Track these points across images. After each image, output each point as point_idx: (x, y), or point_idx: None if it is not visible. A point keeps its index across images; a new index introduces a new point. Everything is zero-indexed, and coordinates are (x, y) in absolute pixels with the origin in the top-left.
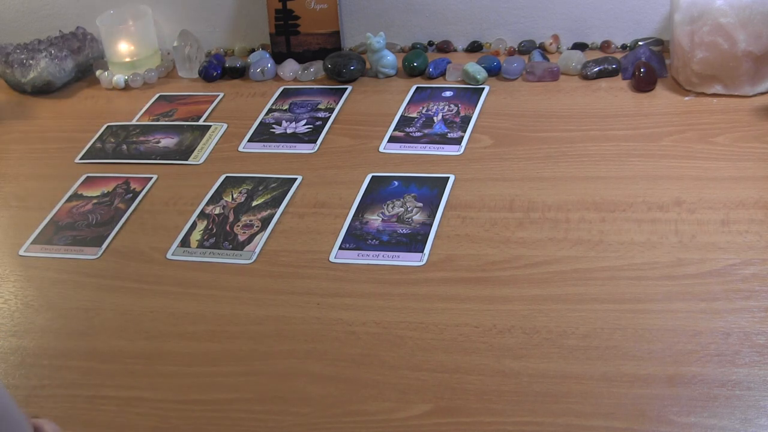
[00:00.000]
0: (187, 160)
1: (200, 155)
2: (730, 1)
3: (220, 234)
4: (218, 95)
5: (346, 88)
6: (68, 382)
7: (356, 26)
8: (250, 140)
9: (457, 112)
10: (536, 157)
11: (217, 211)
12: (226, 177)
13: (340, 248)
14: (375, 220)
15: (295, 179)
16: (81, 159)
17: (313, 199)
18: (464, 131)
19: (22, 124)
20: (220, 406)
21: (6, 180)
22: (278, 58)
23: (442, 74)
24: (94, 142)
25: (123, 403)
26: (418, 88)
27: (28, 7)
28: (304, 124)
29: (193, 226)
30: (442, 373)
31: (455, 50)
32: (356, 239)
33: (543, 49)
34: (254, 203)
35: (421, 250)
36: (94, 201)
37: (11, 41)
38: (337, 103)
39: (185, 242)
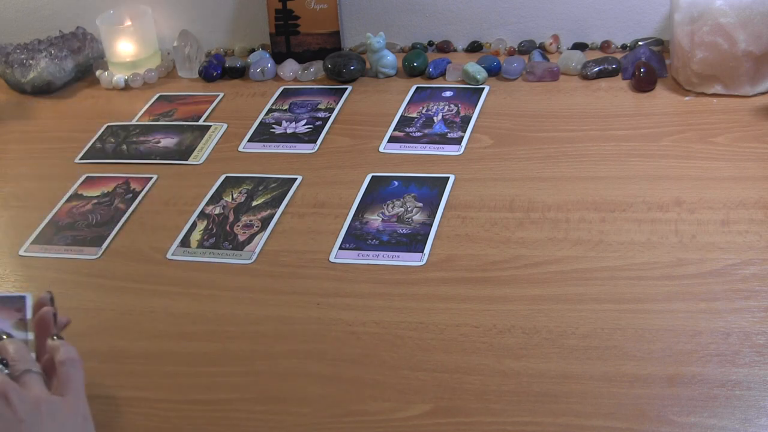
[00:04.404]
0: (187, 160)
1: (200, 155)
2: (730, 1)
3: (220, 234)
4: (218, 95)
5: (346, 88)
6: None
7: (356, 26)
8: (250, 140)
9: (457, 112)
10: (536, 157)
11: (217, 211)
12: (226, 177)
13: (340, 248)
14: (375, 220)
15: (295, 179)
16: (81, 159)
17: (313, 199)
18: (464, 131)
19: (22, 124)
20: (220, 406)
21: (6, 180)
22: (278, 58)
23: (442, 74)
24: (94, 142)
25: (123, 403)
26: (418, 88)
27: (28, 7)
28: (304, 124)
29: (193, 226)
30: (442, 373)
31: (455, 50)
32: (356, 239)
33: (543, 49)
34: (254, 203)
35: (421, 250)
36: (94, 201)
37: (11, 41)
38: (337, 103)
39: (185, 242)
